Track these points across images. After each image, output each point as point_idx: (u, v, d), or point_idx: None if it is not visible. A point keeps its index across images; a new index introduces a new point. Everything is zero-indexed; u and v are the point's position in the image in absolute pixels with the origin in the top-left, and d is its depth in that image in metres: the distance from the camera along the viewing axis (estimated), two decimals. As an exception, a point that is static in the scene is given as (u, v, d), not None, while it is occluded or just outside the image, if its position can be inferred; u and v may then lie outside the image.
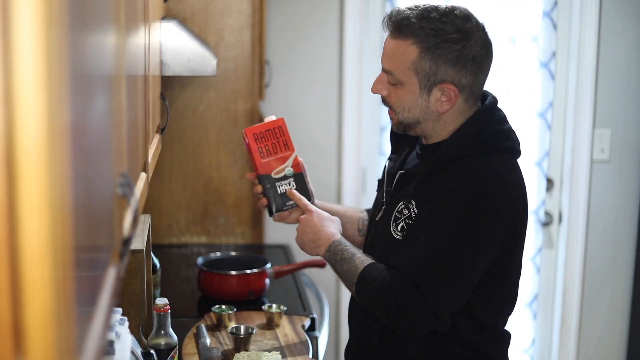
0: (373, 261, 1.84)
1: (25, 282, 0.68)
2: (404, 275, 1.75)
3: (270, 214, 2.05)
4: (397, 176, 1.93)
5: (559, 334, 3.65)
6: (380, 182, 2.04)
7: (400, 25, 1.79)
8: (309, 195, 2.05)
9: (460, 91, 1.80)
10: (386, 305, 1.76)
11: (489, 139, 1.83)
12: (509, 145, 1.85)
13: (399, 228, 1.84)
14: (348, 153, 3.53)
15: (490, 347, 1.90)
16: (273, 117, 2.04)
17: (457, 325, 1.82)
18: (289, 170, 2.01)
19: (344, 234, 2.02)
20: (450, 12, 1.78)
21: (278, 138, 2.02)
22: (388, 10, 3.46)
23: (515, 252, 1.85)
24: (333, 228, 1.95)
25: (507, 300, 1.90)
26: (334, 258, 1.89)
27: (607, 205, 3.61)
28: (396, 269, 1.77)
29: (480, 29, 1.81)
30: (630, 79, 3.53)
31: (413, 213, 1.81)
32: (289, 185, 2.04)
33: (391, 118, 1.90)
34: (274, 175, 2.01)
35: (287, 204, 2.04)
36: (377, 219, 1.95)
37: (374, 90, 1.88)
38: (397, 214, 1.86)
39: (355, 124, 3.51)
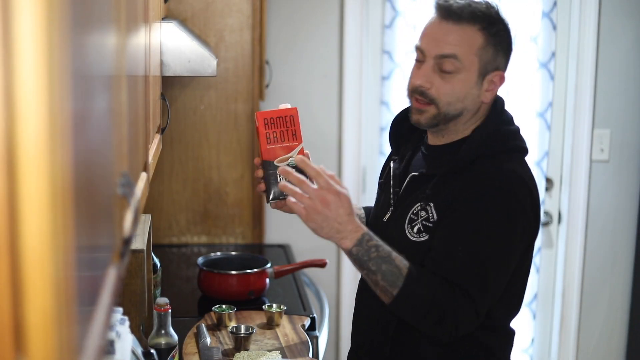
0: (409, 263, 1.73)
1: (25, 281, 0.68)
2: (460, 288, 1.70)
3: (267, 200, 2.00)
4: (408, 178, 1.89)
5: (559, 333, 3.66)
6: (383, 183, 2.00)
7: (462, 10, 1.77)
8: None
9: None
10: (440, 318, 1.69)
11: (503, 139, 1.82)
12: (520, 144, 1.85)
13: (415, 230, 1.80)
14: (348, 153, 3.53)
15: (499, 346, 1.90)
16: (288, 105, 2.01)
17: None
18: (291, 160, 1.96)
19: None
20: (491, 3, 1.81)
21: (288, 127, 1.99)
22: (388, 10, 3.47)
23: (530, 250, 1.85)
24: (355, 214, 1.77)
25: (518, 299, 1.90)
26: (367, 255, 1.70)
27: (606, 205, 3.61)
28: (447, 282, 1.71)
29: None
30: (630, 79, 3.53)
31: (432, 215, 1.77)
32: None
33: (421, 111, 1.81)
34: (276, 163, 1.95)
35: (284, 193, 1.95)
36: (384, 220, 1.91)
37: (423, 82, 1.78)
38: (412, 215, 1.82)
39: (355, 124, 3.52)
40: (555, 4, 3.44)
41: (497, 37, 1.78)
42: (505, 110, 1.89)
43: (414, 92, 1.81)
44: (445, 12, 1.77)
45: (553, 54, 3.48)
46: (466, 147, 1.79)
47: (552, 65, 3.48)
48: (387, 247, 1.72)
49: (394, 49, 3.49)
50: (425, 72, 1.78)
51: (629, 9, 3.49)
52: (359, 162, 3.55)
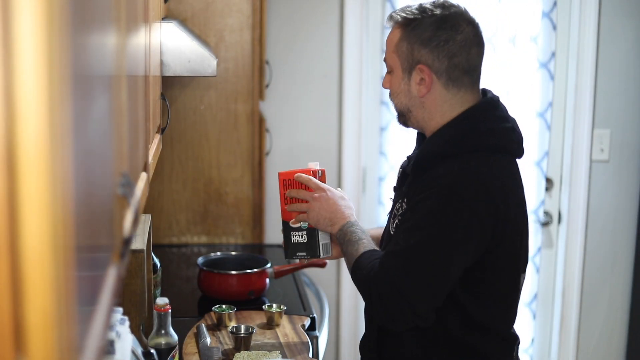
0: (373, 249, 1.89)
1: (26, 281, 0.68)
2: (386, 269, 1.77)
3: (285, 255, 2.14)
4: (398, 174, 2.00)
5: (559, 333, 3.66)
6: None
7: (390, 16, 1.91)
8: (316, 252, 2.05)
9: (435, 74, 1.83)
10: (370, 295, 1.79)
11: (474, 138, 1.83)
12: (500, 143, 1.85)
13: (394, 225, 1.90)
14: (348, 153, 3.53)
15: (491, 351, 1.89)
16: (316, 166, 2.10)
17: (447, 324, 1.83)
18: (303, 223, 2.06)
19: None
20: (440, 4, 1.86)
21: (306, 188, 2.06)
22: (388, 10, 3.48)
23: (502, 250, 1.82)
24: (350, 210, 2.00)
25: (503, 301, 1.88)
26: (342, 238, 1.95)
27: (606, 205, 3.61)
28: (381, 262, 1.80)
29: (465, 21, 1.85)
30: (630, 79, 3.54)
31: (404, 210, 1.86)
32: (302, 237, 2.07)
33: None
34: (291, 224, 2.07)
35: (296, 254, 2.09)
36: (387, 216, 2.04)
37: (383, 85, 1.96)
38: (395, 211, 1.92)
39: (355, 124, 3.52)
40: (555, 4, 3.44)
41: (414, 30, 1.84)
42: (497, 109, 1.89)
43: None
44: (387, 20, 1.93)
45: (553, 54, 3.48)
46: (424, 145, 1.89)
47: (552, 65, 3.49)
48: (360, 235, 1.92)
49: (394, 49, 3.49)
50: (385, 75, 1.95)
51: (629, 9, 3.49)
52: (359, 162, 3.55)
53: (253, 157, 3.24)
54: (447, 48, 1.82)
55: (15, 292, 0.67)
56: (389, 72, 1.91)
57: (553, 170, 3.61)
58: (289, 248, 2.08)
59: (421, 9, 1.85)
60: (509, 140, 1.87)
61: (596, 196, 3.59)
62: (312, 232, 2.05)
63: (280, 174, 2.08)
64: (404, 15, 1.86)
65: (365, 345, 2.02)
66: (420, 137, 2.01)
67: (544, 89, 3.50)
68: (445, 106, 1.86)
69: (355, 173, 3.53)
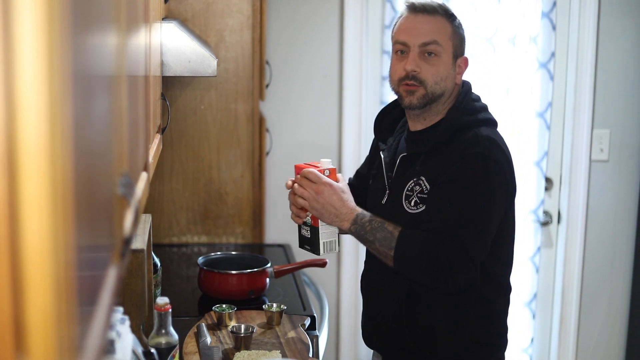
0: (404, 228, 2.00)
1: (26, 281, 0.68)
2: (450, 236, 1.93)
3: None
4: (399, 159, 2.12)
5: (558, 333, 3.66)
6: (375, 173, 2.22)
7: (430, 5, 2.07)
8: (317, 249, 2.09)
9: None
10: (434, 267, 1.92)
11: (475, 113, 2.06)
12: (490, 117, 2.10)
13: (412, 203, 2.03)
14: (348, 153, 3.53)
15: (498, 301, 2.12)
16: (328, 163, 2.13)
17: (477, 284, 2.02)
18: (308, 219, 2.11)
19: None
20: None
21: None
22: (388, 10, 3.48)
23: (511, 208, 2.06)
24: (352, 201, 2.07)
25: (508, 254, 2.11)
26: (363, 229, 2.01)
27: (606, 205, 3.61)
28: (437, 232, 1.94)
29: None
30: (629, 79, 3.54)
31: (425, 187, 2.01)
32: (307, 232, 2.13)
33: (412, 92, 2.04)
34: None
35: (304, 246, 2.15)
36: (382, 203, 2.13)
37: (414, 66, 2.03)
38: (407, 192, 2.05)
39: (355, 124, 3.52)
40: (555, 4, 3.44)
41: (459, 27, 2.09)
42: (472, 92, 2.13)
43: (404, 79, 2.05)
44: (418, 8, 2.07)
45: (553, 54, 3.48)
46: (444, 125, 2.05)
47: (552, 65, 3.49)
48: (379, 219, 2.01)
49: (394, 49, 3.49)
50: (413, 59, 2.04)
51: (628, 9, 3.49)
52: (359, 161, 3.55)
53: (253, 157, 3.24)
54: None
55: (15, 292, 0.68)
56: (430, 54, 2.03)
57: (553, 170, 3.61)
58: (299, 239, 2.17)
59: (446, 6, 2.10)
60: (491, 114, 2.12)
61: (596, 196, 3.59)
62: (314, 230, 2.09)
63: (295, 166, 2.16)
64: (446, 10, 2.07)
65: (382, 326, 2.12)
66: (379, 126, 2.23)
67: (543, 89, 3.50)
68: (457, 93, 2.12)
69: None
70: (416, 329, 2.06)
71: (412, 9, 2.07)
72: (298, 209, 2.12)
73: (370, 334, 2.20)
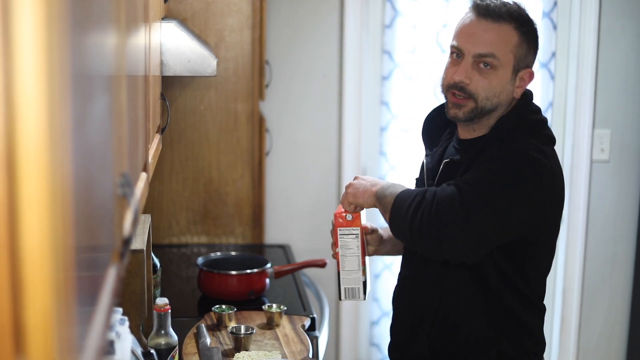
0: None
1: (25, 282, 0.68)
2: (452, 185, 1.80)
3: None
4: (441, 166, 1.97)
5: (559, 333, 3.66)
6: (418, 179, 2.09)
7: (500, 9, 1.87)
8: (339, 294, 2.02)
9: None
10: (423, 199, 1.79)
11: (526, 126, 1.90)
12: (548, 133, 1.93)
13: None
14: (348, 153, 3.53)
15: (530, 319, 1.97)
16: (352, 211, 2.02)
17: (503, 299, 1.89)
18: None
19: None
20: (520, 5, 1.94)
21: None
22: (388, 10, 3.47)
23: (554, 231, 1.92)
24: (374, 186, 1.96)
25: (544, 277, 1.97)
26: (386, 189, 1.90)
27: (606, 205, 3.61)
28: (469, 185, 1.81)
29: None
30: (630, 79, 3.54)
31: None
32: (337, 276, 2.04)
33: (459, 106, 1.89)
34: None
35: (346, 297, 2.04)
36: None
37: (464, 78, 1.87)
38: None
39: (355, 124, 3.52)
40: (555, 4, 3.44)
41: (528, 35, 1.90)
42: (533, 103, 1.97)
43: (452, 87, 1.89)
44: (483, 11, 1.87)
45: (553, 54, 3.48)
46: (491, 132, 1.91)
47: (553, 65, 3.48)
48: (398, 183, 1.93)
49: (394, 49, 3.49)
50: (465, 68, 1.87)
51: (629, 9, 3.49)
52: (359, 162, 3.54)
53: (253, 157, 3.24)
54: (537, 54, 1.95)
55: (15, 293, 0.67)
56: (486, 67, 1.86)
57: (553, 170, 3.61)
58: (340, 290, 2.05)
59: (521, 9, 1.91)
60: (550, 129, 1.96)
61: (596, 196, 3.59)
62: (338, 275, 2.02)
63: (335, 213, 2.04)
64: (518, 14, 1.89)
65: (411, 334, 2.02)
66: (427, 134, 2.09)
67: (544, 89, 3.50)
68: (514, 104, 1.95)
69: (355, 173, 3.53)
70: (441, 346, 1.96)
71: (477, 11, 1.88)
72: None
73: (396, 348, 2.09)
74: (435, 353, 1.96)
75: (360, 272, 1.99)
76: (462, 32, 1.89)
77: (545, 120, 1.95)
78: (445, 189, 1.80)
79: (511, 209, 1.80)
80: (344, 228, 1.96)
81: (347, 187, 1.98)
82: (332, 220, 2.01)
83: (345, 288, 2.00)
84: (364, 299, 2.02)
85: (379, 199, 1.90)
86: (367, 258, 2.04)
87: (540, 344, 2.00)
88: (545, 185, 1.82)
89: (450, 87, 1.89)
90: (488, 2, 1.88)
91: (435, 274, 1.94)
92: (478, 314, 1.91)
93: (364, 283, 2.00)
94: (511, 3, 1.91)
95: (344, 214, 1.97)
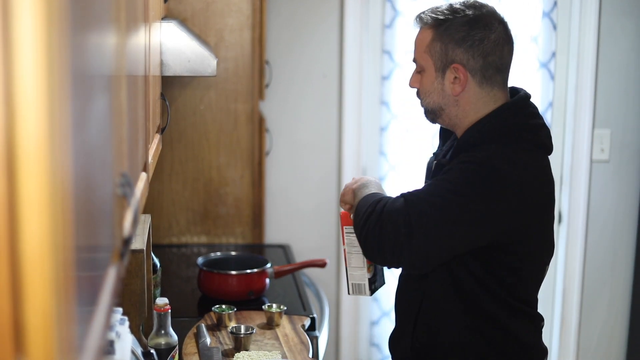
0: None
1: (25, 281, 0.68)
2: (402, 197, 1.86)
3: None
4: (433, 167, 2.01)
5: (559, 333, 3.66)
6: (425, 177, 2.14)
7: (424, 17, 1.94)
8: (348, 287, 2.07)
9: (470, 73, 1.89)
10: (373, 210, 1.85)
11: (511, 130, 1.88)
12: (532, 138, 1.90)
13: None
14: (348, 153, 3.53)
15: (521, 329, 1.94)
16: None
17: (482, 304, 1.88)
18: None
19: None
20: (471, 4, 1.91)
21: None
22: (388, 10, 3.48)
23: (530, 238, 1.89)
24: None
25: (530, 283, 1.95)
26: (360, 188, 1.99)
27: (606, 205, 3.61)
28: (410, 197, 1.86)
29: (497, 20, 1.91)
30: (630, 79, 3.53)
31: None
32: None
33: (423, 110, 2.00)
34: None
35: (354, 292, 2.08)
36: None
37: (410, 83, 1.99)
38: None
39: (355, 124, 3.52)
40: (555, 3, 3.44)
41: (447, 31, 1.88)
42: (528, 106, 1.94)
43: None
44: (416, 20, 1.97)
45: (553, 54, 3.48)
46: (462, 135, 1.93)
47: (553, 65, 3.48)
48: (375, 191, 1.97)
49: (394, 49, 3.49)
50: (412, 75, 1.99)
51: (629, 9, 3.49)
52: (359, 162, 3.54)
53: (253, 157, 3.24)
54: (481, 47, 1.88)
55: (15, 293, 0.67)
56: (418, 72, 1.95)
57: (553, 170, 3.58)
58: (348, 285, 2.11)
59: (452, 9, 1.89)
60: (543, 135, 1.92)
61: (596, 196, 3.59)
62: (346, 271, 2.06)
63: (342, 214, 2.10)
64: (435, 16, 1.90)
65: (397, 339, 2.05)
66: (444, 132, 2.09)
67: (544, 89, 3.50)
68: (479, 104, 1.91)
69: (355, 173, 3.53)
70: (423, 347, 1.98)
71: (414, 23, 1.99)
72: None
73: (389, 344, 2.12)
74: (418, 353, 1.97)
75: (365, 270, 2.02)
76: None
77: (535, 125, 1.92)
78: (395, 201, 1.85)
79: (460, 222, 1.81)
80: (349, 227, 2.01)
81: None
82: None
83: (352, 284, 2.05)
84: (370, 294, 2.06)
85: (355, 199, 1.99)
86: None
87: (530, 350, 1.96)
88: (507, 196, 1.81)
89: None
90: (423, 11, 1.95)
91: (418, 276, 1.97)
92: (457, 317, 1.91)
93: (370, 280, 2.04)
94: (449, 5, 1.91)
95: (350, 213, 2.03)
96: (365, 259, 2.01)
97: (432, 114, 1.97)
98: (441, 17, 1.89)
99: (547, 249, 1.97)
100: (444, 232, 1.81)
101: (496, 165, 1.82)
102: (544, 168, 1.92)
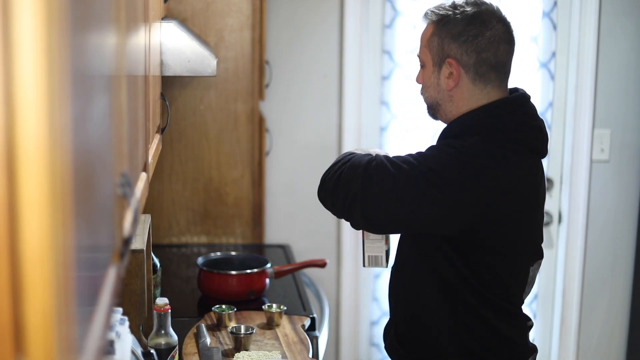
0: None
1: (25, 281, 0.68)
2: (370, 155, 1.92)
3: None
4: None
5: (559, 334, 3.66)
6: None
7: (429, 14, 1.96)
8: (363, 260, 2.10)
9: (463, 68, 1.89)
10: (341, 159, 1.94)
11: (496, 126, 1.88)
12: (520, 138, 1.88)
13: None
14: (348, 153, 3.53)
15: (504, 327, 1.94)
16: None
17: (465, 297, 1.89)
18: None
19: None
20: (472, 2, 1.92)
21: None
22: (388, 10, 3.48)
23: (500, 236, 1.87)
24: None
25: (507, 283, 1.93)
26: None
27: (606, 205, 3.61)
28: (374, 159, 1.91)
29: (496, 18, 1.90)
30: (630, 79, 3.53)
31: None
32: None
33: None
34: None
35: (370, 264, 2.11)
36: None
37: (416, 80, 2.03)
38: None
39: (355, 124, 3.52)
40: (555, 3, 3.44)
41: (445, 26, 1.90)
42: (525, 106, 1.93)
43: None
44: (422, 18, 1.99)
45: (553, 54, 3.48)
46: (447, 126, 1.96)
47: (553, 65, 3.48)
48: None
49: (394, 49, 3.49)
50: (418, 72, 2.02)
51: (629, 9, 3.49)
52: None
53: (253, 157, 3.24)
54: (475, 43, 1.88)
55: (15, 293, 0.67)
56: (422, 67, 1.98)
57: (553, 170, 3.61)
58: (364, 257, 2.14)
59: (454, 5, 1.92)
60: (527, 136, 1.90)
61: (596, 196, 3.59)
62: (362, 244, 2.08)
63: None
64: (437, 12, 1.93)
65: (388, 333, 2.07)
66: None
67: (544, 89, 3.50)
68: (472, 100, 1.91)
69: (355, 173, 3.53)
70: (408, 338, 2.00)
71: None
72: None
73: (383, 335, 2.15)
74: (403, 344, 2.00)
75: (383, 241, 2.05)
76: None
77: (527, 126, 1.90)
78: (361, 157, 1.91)
79: (421, 197, 1.82)
80: None
81: None
82: None
83: (369, 256, 2.07)
84: (386, 266, 2.09)
85: None
86: None
87: (518, 349, 1.96)
88: (477, 187, 1.80)
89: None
90: (429, 8, 1.96)
91: (405, 268, 2.00)
92: (440, 309, 1.92)
93: (387, 252, 2.07)
94: (452, 2, 1.93)
95: None
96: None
97: (431, 110, 2.00)
98: (442, 13, 1.91)
99: (531, 251, 1.95)
100: (397, 197, 1.83)
101: (474, 154, 1.82)
102: (530, 169, 1.90)
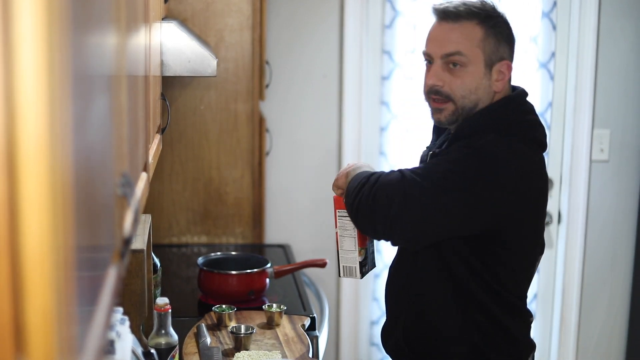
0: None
1: (26, 281, 0.68)
2: (398, 171, 1.91)
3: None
4: (428, 157, 2.01)
5: (559, 333, 3.66)
6: None
7: (457, 10, 1.90)
8: (338, 270, 2.10)
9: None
10: (367, 181, 1.89)
11: (510, 123, 1.90)
12: (530, 134, 1.91)
13: None
14: (348, 153, 3.53)
15: (512, 324, 1.97)
16: None
17: (476, 294, 1.89)
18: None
19: None
20: (484, 2, 1.93)
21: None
22: (388, 10, 3.48)
23: (521, 232, 1.90)
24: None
25: (520, 277, 1.96)
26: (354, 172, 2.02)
27: (606, 205, 3.61)
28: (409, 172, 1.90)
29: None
30: (629, 79, 3.54)
31: None
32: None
33: (440, 110, 1.94)
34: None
35: (345, 274, 2.12)
36: None
37: (435, 81, 1.92)
38: None
39: (355, 124, 3.52)
40: (555, 4, 3.44)
41: (495, 28, 1.90)
42: (525, 102, 1.97)
43: (430, 92, 1.94)
44: (442, 14, 1.92)
45: (553, 54, 3.48)
46: (459, 125, 1.92)
47: (552, 66, 3.48)
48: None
49: (394, 49, 3.49)
50: (436, 71, 1.91)
51: (628, 9, 3.49)
52: (359, 162, 3.54)
53: (253, 157, 3.24)
54: (514, 44, 1.95)
55: (15, 293, 0.67)
56: (455, 66, 1.89)
57: (553, 170, 3.61)
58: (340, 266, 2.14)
59: (485, 5, 1.92)
60: (539, 132, 1.94)
61: (596, 196, 3.59)
62: (337, 254, 2.09)
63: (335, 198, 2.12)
64: (477, 10, 1.89)
65: (390, 333, 2.06)
66: (437, 127, 2.08)
67: (543, 89, 3.50)
68: (486, 99, 1.93)
69: (355, 173, 3.53)
70: (416, 336, 2.01)
71: (437, 15, 1.93)
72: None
73: (382, 336, 2.16)
74: (409, 343, 2.00)
75: (357, 253, 2.05)
76: (428, 38, 1.95)
77: (531, 121, 1.94)
78: (390, 174, 1.88)
79: (456, 201, 1.82)
80: (341, 210, 2.04)
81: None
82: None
83: (343, 266, 2.08)
84: (360, 277, 2.09)
85: (347, 180, 2.00)
86: (369, 240, 2.10)
87: (520, 346, 1.99)
88: (500, 185, 1.83)
89: (429, 93, 1.94)
90: (446, 4, 1.92)
91: (408, 265, 1.99)
92: (449, 306, 1.92)
93: (360, 263, 2.06)
94: (473, 1, 1.92)
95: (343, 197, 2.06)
96: (357, 243, 2.04)
97: (460, 115, 1.92)
98: (487, 14, 1.89)
99: (538, 245, 1.98)
100: (439, 208, 1.82)
101: (494, 152, 1.83)
102: (539, 163, 1.94)
